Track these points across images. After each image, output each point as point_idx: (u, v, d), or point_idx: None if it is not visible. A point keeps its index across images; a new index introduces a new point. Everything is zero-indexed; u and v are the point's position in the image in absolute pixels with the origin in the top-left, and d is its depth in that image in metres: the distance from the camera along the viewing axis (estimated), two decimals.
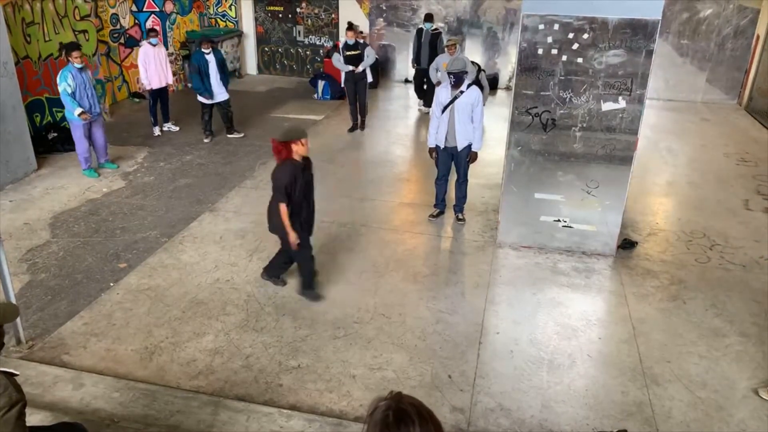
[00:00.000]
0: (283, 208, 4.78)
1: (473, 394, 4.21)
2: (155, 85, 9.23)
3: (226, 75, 9.12)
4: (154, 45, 9.15)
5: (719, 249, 6.26)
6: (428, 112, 9.98)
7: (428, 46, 10.45)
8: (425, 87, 10.82)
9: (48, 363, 4.38)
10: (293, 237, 4.86)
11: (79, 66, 7.40)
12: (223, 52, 12.68)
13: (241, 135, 9.56)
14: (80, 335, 4.75)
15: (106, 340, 4.69)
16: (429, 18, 10.59)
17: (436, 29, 10.54)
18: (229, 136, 9.54)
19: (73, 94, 7.34)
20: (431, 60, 10.13)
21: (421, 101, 11.11)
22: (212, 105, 9.18)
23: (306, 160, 4.91)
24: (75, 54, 7.36)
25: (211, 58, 8.89)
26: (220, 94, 9.11)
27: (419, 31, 10.63)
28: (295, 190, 4.79)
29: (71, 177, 7.84)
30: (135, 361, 4.48)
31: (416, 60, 10.83)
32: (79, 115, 7.39)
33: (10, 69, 7.42)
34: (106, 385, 4.13)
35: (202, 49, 8.88)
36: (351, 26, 9.65)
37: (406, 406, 1.66)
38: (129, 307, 5.13)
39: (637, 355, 4.63)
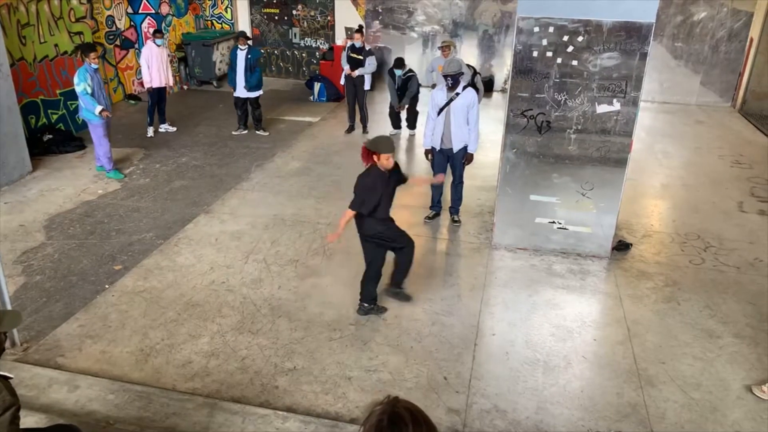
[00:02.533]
0: (350, 213, 4.78)
1: (469, 395, 4.21)
2: (156, 84, 9.28)
3: (254, 75, 9.35)
4: (159, 45, 9.23)
5: (713, 251, 6.29)
6: (413, 134, 9.96)
7: (400, 91, 9.51)
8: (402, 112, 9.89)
9: (43, 365, 4.37)
10: (334, 237, 4.94)
11: (95, 67, 7.47)
12: (219, 53, 12.71)
13: (266, 134, 9.85)
14: (75, 337, 4.73)
15: (101, 342, 4.68)
16: (399, 64, 9.40)
17: (407, 73, 9.45)
18: (257, 132, 9.91)
19: (91, 94, 7.36)
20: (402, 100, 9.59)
21: (401, 127, 10.02)
22: (242, 99, 9.55)
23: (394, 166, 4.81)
24: (93, 55, 7.44)
25: (241, 54, 9.20)
26: (242, 89, 9.41)
27: (391, 73, 9.49)
28: (375, 197, 4.72)
29: (66, 179, 7.82)
30: (130, 363, 4.47)
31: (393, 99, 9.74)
32: (100, 112, 7.41)
33: (5, 71, 7.40)
34: (101, 387, 4.12)
35: (239, 45, 9.26)
36: (360, 29, 9.74)
37: (400, 410, 1.65)
38: (124, 309, 5.12)
39: (632, 356, 4.65)
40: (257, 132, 9.84)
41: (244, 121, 9.86)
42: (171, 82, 9.70)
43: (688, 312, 5.24)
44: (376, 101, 11.31)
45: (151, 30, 10.92)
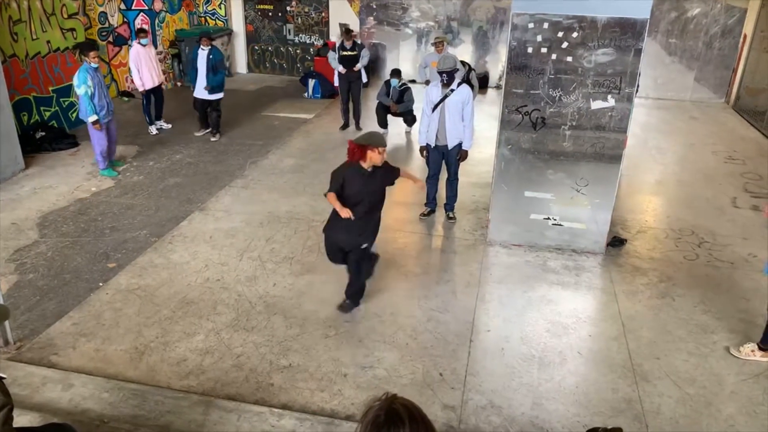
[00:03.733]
0: (330, 196, 4.61)
1: (464, 391, 4.22)
2: (149, 86, 9.20)
3: (215, 77, 9.01)
4: (145, 45, 9.09)
5: (707, 246, 6.31)
6: (409, 131, 9.94)
7: (395, 102, 9.57)
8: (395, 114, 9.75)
9: (36, 364, 4.34)
10: (344, 212, 4.53)
11: (95, 66, 7.37)
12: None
13: (215, 139, 9.39)
14: (69, 335, 4.71)
15: (95, 341, 4.66)
16: (396, 74, 9.48)
17: (403, 84, 9.50)
18: (211, 138, 9.42)
19: (91, 96, 7.28)
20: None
21: (387, 127, 9.89)
22: (201, 101, 9.21)
23: (376, 169, 4.64)
24: (92, 54, 7.32)
25: (202, 55, 8.93)
26: (200, 91, 9.10)
27: (387, 83, 9.53)
28: (345, 190, 4.60)
29: (59, 176, 7.78)
30: (125, 361, 4.45)
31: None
32: (93, 123, 7.35)
33: None
34: (95, 385, 4.10)
35: (201, 45, 8.98)
36: (349, 33, 9.65)
37: (398, 407, 1.66)
38: (118, 307, 5.10)
39: (626, 352, 4.66)
40: (211, 138, 9.37)
41: (205, 122, 9.50)
42: (162, 79, 9.57)
43: (683, 307, 5.26)
44: (370, 97, 11.29)
45: (137, 30, 10.82)
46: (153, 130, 9.55)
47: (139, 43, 9.08)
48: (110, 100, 7.64)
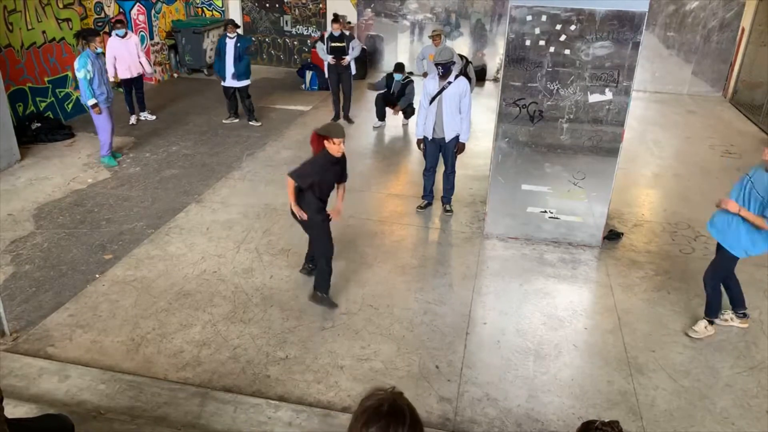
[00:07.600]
0: (291, 183, 4.82)
1: (460, 384, 4.23)
2: (123, 76, 9.18)
3: (241, 63, 9.20)
4: (122, 36, 8.98)
5: (703, 240, 6.32)
6: (406, 124, 9.92)
7: (398, 95, 9.56)
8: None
9: (33, 355, 4.34)
10: (296, 209, 4.85)
11: (99, 51, 7.45)
12: (209, 41, 12.58)
13: (259, 124, 9.71)
14: (66, 327, 4.71)
15: (91, 332, 4.66)
16: (399, 68, 9.49)
17: (406, 78, 9.49)
18: (249, 123, 9.74)
19: (91, 81, 7.31)
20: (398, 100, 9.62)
21: (385, 119, 9.89)
22: (232, 89, 9.44)
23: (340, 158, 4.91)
24: (97, 39, 7.45)
25: (230, 43, 9.10)
26: (231, 79, 9.29)
27: (389, 77, 9.57)
28: (317, 180, 4.80)
29: (55, 167, 7.75)
30: (121, 352, 4.45)
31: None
32: (92, 106, 7.38)
33: None
34: (92, 376, 4.11)
35: (227, 33, 9.16)
36: (336, 18, 9.61)
37: (402, 404, 1.71)
38: (115, 298, 5.09)
39: (622, 345, 4.68)
40: (250, 123, 9.69)
41: (235, 109, 9.77)
42: (148, 70, 9.51)
43: (678, 301, 5.28)
44: (364, 89, 11.26)
45: (114, 21, 10.67)
46: (132, 119, 9.57)
47: (116, 34, 8.99)
48: (110, 88, 7.68)
